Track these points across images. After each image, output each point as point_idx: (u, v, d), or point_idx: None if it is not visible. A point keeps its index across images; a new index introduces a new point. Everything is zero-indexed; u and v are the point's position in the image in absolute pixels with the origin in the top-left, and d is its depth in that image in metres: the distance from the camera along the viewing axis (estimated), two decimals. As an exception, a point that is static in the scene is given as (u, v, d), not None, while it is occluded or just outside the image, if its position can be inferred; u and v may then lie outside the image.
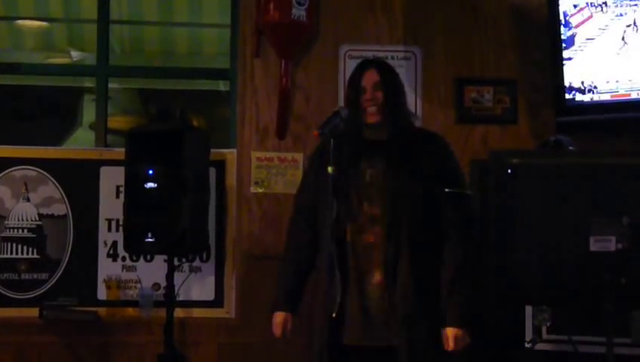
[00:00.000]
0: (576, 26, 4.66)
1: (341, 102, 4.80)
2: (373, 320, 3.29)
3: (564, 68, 4.67)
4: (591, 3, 4.62)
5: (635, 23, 4.49)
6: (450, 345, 3.30)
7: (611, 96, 4.58)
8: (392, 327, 3.26)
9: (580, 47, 4.65)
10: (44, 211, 4.75)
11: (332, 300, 3.26)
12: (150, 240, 4.25)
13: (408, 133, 3.42)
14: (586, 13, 4.64)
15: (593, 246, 2.79)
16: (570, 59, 4.68)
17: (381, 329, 3.27)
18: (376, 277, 3.29)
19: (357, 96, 3.38)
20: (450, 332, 3.30)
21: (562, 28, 4.69)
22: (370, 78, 3.40)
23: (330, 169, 3.11)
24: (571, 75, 4.67)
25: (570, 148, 4.30)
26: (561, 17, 4.70)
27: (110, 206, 4.75)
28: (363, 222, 3.31)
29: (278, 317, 3.48)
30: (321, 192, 3.36)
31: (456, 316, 3.30)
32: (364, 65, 3.49)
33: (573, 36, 4.67)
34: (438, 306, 3.33)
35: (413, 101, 4.90)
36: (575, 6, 4.67)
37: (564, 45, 4.70)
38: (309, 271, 3.49)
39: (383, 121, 3.39)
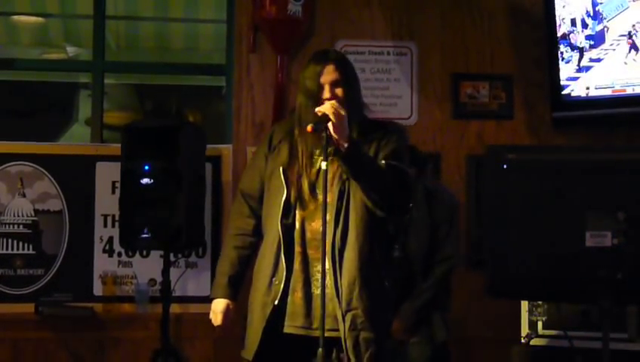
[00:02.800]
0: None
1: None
2: (315, 309, 3.21)
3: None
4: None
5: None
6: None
7: (607, 92, 4.58)
8: (337, 316, 3.19)
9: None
10: (39, 207, 4.75)
11: (274, 288, 3.24)
12: (146, 235, 4.25)
13: (360, 123, 3.38)
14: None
15: (589, 242, 2.79)
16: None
17: (325, 318, 3.13)
18: (323, 266, 3.18)
19: (315, 90, 3.35)
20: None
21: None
22: (329, 75, 3.35)
23: (324, 165, 3.09)
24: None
25: None
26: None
27: (106, 201, 4.75)
28: (313, 209, 3.28)
29: (220, 304, 3.40)
30: (271, 179, 3.34)
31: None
32: (322, 59, 3.41)
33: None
34: (382, 293, 3.31)
35: (408, 96, 4.92)
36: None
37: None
38: (251, 257, 3.42)
39: None
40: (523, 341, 4.17)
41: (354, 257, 3.23)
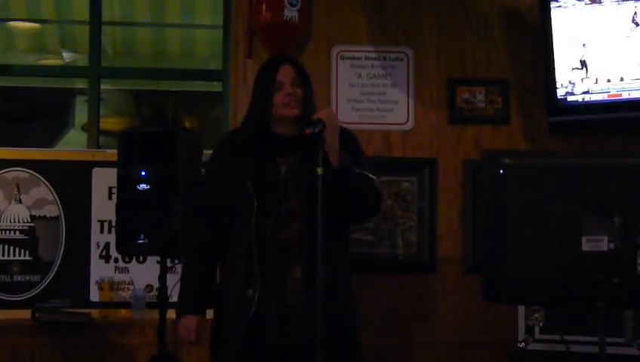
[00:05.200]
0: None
1: (333, 103, 4.82)
2: (291, 317, 3.23)
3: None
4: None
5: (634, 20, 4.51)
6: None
7: (603, 97, 4.59)
8: (311, 323, 3.13)
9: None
10: (36, 213, 4.74)
11: (249, 299, 3.24)
12: (143, 241, 4.24)
13: None
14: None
15: (585, 246, 2.79)
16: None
17: (299, 325, 3.20)
18: (296, 273, 3.25)
19: (271, 90, 3.34)
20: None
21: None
22: (287, 73, 3.36)
23: (320, 170, 3.09)
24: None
25: None
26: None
27: (102, 207, 4.74)
28: (282, 219, 3.28)
29: (190, 320, 3.43)
30: (235, 190, 3.33)
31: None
32: (278, 60, 3.44)
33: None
34: (351, 297, 3.35)
35: (405, 102, 4.92)
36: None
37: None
38: (214, 271, 3.44)
39: (299, 115, 3.33)
40: (520, 345, 4.17)
41: (326, 263, 3.21)
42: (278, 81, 3.34)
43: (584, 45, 4.61)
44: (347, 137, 3.42)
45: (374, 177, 3.36)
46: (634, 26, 4.51)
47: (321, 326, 3.12)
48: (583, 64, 4.62)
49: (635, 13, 4.51)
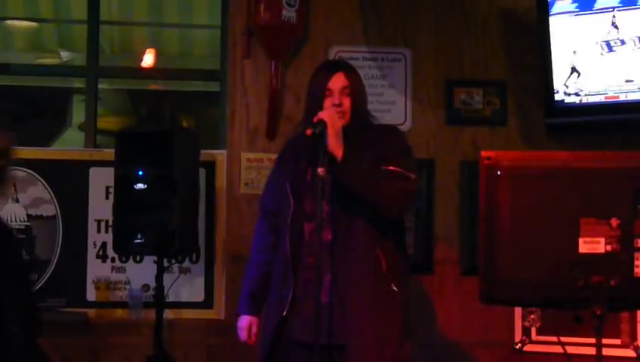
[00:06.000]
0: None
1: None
2: (326, 318, 3.24)
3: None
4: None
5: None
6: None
7: (600, 99, 4.59)
8: (344, 325, 3.22)
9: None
10: (33, 212, 4.74)
11: (283, 299, 3.30)
12: (139, 241, 4.25)
13: (362, 130, 3.37)
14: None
15: (582, 248, 2.80)
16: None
17: (333, 326, 3.22)
18: (332, 275, 3.27)
19: (321, 97, 3.36)
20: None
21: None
22: (339, 81, 3.35)
23: (321, 171, 3.10)
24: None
25: None
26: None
27: (100, 207, 4.74)
28: (321, 221, 3.28)
29: (243, 321, 3.52)
30: (281, 193, 3.40)
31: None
32: (332, 66, 3.46)
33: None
34: (389, 298, 3.32)
35: (402, 102, 4.92)
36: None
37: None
38: (272, 273, 3.48)
39: (344, 126, 3.31)
40: (516, 347, 4.18)
41: (358, 265, 3.25)
42: (328, 88, 3.34)
43: (574, 52, 4.61)
44: (386, 134, 3.43)
45: (410, 175, 3.32)
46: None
47: (350, 328, 3.20)
48: (574, 69, 4.62)
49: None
